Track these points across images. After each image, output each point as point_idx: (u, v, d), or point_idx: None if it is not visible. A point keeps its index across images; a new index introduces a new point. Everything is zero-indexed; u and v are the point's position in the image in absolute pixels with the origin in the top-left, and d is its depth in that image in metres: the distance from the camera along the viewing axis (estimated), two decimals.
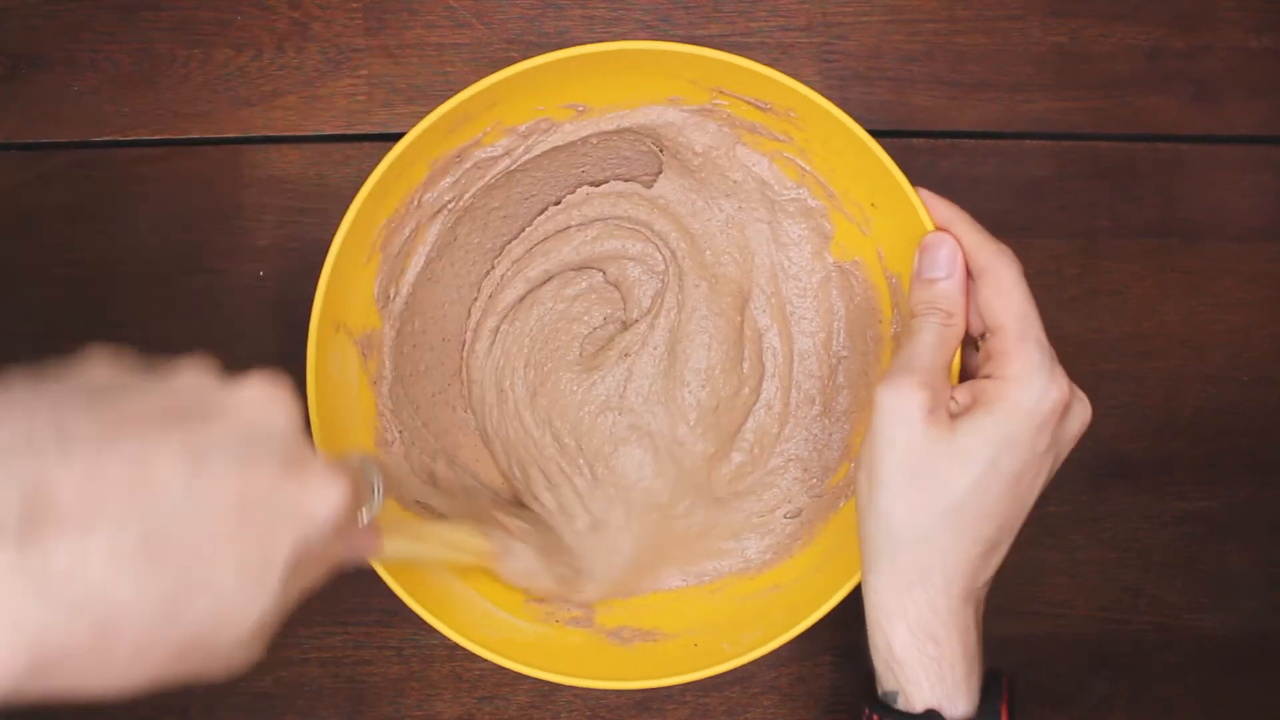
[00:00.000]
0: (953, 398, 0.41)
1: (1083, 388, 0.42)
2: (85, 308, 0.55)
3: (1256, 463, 0.58)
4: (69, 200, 0.55)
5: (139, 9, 0.55)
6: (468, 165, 0.48)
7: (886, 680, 0.42)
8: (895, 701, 0.41)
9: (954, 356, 0.42)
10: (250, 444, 0.30)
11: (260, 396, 0.31)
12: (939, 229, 0.44)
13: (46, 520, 0.26)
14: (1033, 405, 0.40)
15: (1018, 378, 0.40)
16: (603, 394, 0.54)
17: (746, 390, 0.54)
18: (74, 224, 0.55)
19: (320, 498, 0.31)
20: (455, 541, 0.47)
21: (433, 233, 0.50)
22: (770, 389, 0.54)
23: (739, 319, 0.54)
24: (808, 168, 0.49)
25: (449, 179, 0.48)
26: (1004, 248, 0.42)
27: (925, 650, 0.40)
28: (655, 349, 0.54)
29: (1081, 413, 0.42)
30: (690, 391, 0.54)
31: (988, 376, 0.41)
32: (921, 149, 0.56)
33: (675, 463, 0.54)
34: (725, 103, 0.47)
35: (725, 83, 0.45)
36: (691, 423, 0.54)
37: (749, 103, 0.46)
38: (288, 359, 0.55)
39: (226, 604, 0.29)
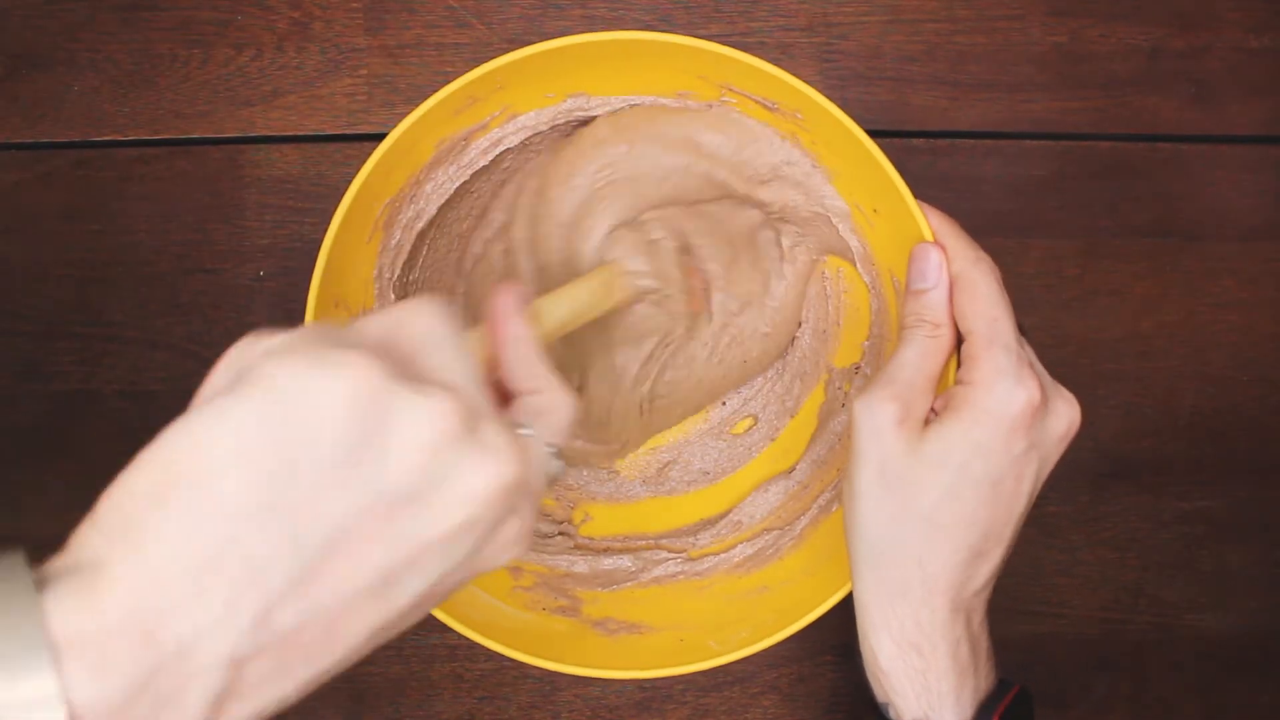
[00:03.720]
0: (932, 409, 0.41)
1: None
2: (85, 308, 0.55)
3: (1256, 463, 0.58)
4: (69, 200, 0.55)
5: (139, 9, 0.55)
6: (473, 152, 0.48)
7: (876, 691, 0.42)
8: (888, 712, 0.41)
9: (942, 366, 0.42)
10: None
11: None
12: (932, 239, 0.43)
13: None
14: (999, 409, 0.39)
15: (982, 382, 0.39)
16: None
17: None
18: (74, 224, 0.55)
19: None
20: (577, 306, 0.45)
21: (433, 210, 0.49)
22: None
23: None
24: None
25: (453, 166, 0.48)
26: (982, 255, 0.42)
27: (909, 662, 0.40)
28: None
29: (1066, 412, 0.41)
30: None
31: (960, 382, 0.41)
32: (921, 149, 0.56)
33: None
34: (734, 100, 0.47)
35: (734, 80, 0.45)
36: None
37: (757, 101, 0.46)
38: None
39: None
